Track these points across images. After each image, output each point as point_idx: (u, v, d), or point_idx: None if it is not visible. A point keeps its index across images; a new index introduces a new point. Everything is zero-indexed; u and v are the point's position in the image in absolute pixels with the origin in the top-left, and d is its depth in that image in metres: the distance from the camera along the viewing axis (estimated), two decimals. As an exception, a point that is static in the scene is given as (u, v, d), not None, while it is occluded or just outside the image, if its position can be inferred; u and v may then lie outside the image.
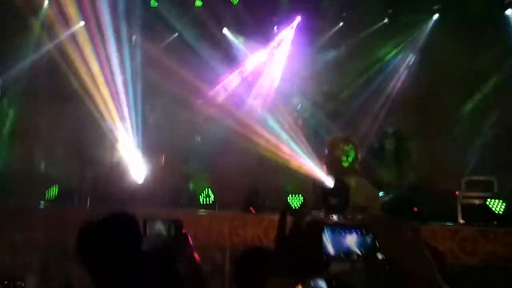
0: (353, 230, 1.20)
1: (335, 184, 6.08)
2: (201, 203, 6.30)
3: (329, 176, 6.42)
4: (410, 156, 7.39)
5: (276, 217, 5.03)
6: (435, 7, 7.61)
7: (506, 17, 7.16)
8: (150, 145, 8.40)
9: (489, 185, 5.64)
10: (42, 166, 7.97)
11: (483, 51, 6.97)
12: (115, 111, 8.30)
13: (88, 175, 6.87)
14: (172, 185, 8.27)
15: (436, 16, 7.72)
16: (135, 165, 7.52)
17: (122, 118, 8.33)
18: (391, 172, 7.31)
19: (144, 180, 6.90)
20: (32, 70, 8.28)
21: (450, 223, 5.43)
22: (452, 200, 5.66)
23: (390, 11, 7.85)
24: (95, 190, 6.83)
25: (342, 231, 1.21)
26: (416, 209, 5.31)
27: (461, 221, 5.35)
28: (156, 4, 8.67)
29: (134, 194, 6.47)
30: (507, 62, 6.89)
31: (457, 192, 5.67)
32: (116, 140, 8.01)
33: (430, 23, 7.78)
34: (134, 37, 9.02)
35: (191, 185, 8.22)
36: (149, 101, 8.65)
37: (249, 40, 8.72)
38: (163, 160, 9.16)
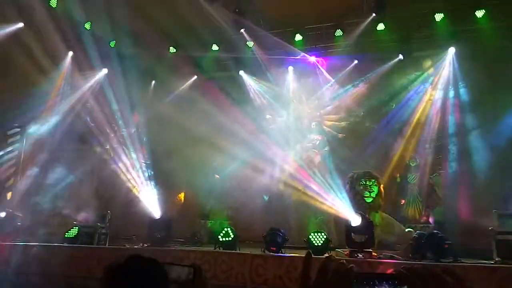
0: (385, 282, 1.11)
1: (359, 221, 5.90)
2: (221, 241, 6.14)
3: (352, 212, 6.26)
4: (435, 189, 7.14)
5: (297, 256, 4.82)
6: (452, 41, 7.64)
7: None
8: (169, 183, 8.43)
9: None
10: (63, 206, 8.04)
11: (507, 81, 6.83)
12: (130, 152, 8.53)
13: (106, 214, 6.86)
14: (191, 223, 8.21)
15: (452, 49, 7.76)
16: (151, 202, 7.50)
17: (137, 158, 8.49)
18: (416, 206, 7.06)
19: (163, 218, 6.84)
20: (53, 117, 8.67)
21: (485, 261, 5.09)
22: (485, 236, 5.34)
23: (404, 46, 7.93)
24: (113, 229, 6.79)
25: (372, 281, 1.11)
26: (447, 246, 5.00)
27: (497, 258, 4.99)
28: (175, 50, 9.05)
29: (152, 231, 6.38)
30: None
31: (490, 228, 5.35)
32: (131, 179, 8.09)
33: (446, 56, 7.81)
34: (153, 82, 9.39)
35: (209, 223, 8.11)
36: (164, 141, 8.79)
37: (264, 80, 8.90)
38: (182, 197, 9.14)
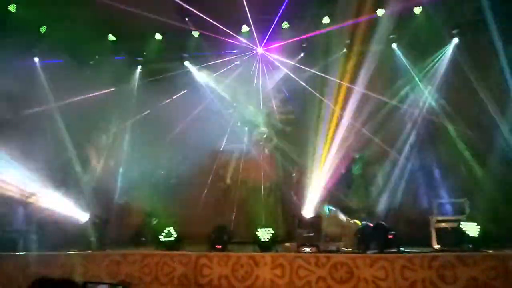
0: None
1: (307, 214, 5.88)
2: (162, 241, 5.79)
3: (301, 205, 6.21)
4: (377, 180, 7.29)
5: (243, 254, 4.59)
6: (391, 36, 7.80)
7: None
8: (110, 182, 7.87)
9: (461, 208, 5.54)
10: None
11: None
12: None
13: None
14: (135, 223, 7.75)
15: (394, 45, 7.94)
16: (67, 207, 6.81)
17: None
18: (360, 197, 7.15)
19: (93, 220, 6.28)
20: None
21: (426, 250, 5.23)
22: (425, 225, 5.51)
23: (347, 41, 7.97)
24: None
25: None
26: (391, 236, 5.07)
27: (436, 246, 5.16)
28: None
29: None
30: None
31: (430, 217, 5.52)
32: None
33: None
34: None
35: (154, 222, 7.69)
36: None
37: (211, 71, 8.57)
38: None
